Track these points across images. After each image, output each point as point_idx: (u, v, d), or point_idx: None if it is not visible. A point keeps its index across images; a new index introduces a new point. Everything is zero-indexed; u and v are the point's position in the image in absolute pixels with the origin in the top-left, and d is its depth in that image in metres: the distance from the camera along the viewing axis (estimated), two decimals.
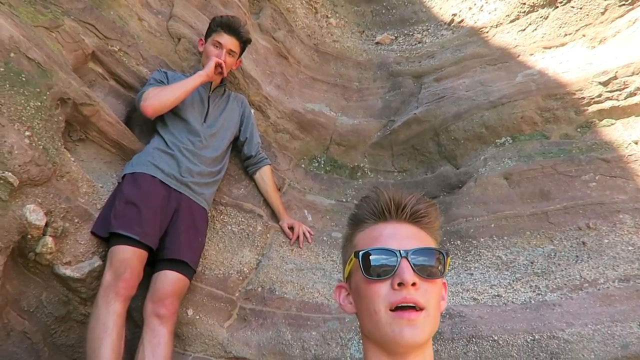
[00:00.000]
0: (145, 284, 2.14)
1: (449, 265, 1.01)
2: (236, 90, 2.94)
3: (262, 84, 3.10)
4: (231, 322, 2.31)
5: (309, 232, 2.68)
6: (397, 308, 0.89)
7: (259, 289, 2.40)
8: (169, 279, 2.14)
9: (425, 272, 0.92)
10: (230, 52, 2.61)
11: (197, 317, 2.27)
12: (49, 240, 2.00)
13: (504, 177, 2.72)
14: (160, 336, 2.02)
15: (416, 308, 0.89)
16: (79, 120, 2.37)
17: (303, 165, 3.15)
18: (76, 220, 2.14)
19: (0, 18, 2.12)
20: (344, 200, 3.03)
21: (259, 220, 2.64)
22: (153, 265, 2.19)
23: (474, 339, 1.99)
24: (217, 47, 2.59)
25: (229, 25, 2.61)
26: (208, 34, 2.67)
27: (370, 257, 0.95)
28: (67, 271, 2.05)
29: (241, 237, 2.56)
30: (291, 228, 2.66)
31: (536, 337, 1.92)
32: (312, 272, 2.51)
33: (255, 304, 2.35)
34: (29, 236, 1.94)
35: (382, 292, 0.92)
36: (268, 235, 2.62)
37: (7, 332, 1.99)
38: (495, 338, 1.95)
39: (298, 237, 2.63)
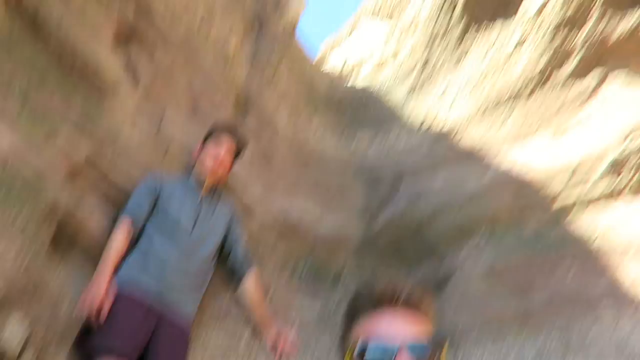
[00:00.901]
0: None
1: (446, 349, 1.02)
2: (224, 193, 3.01)
3: (246, 187, 3.19)
4: None
5: (294, 344, 2.60)
6: None
7: None
8: None
9: None
10: (228, 153, 2.70)
11: None
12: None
13: (486, 271, 2.78)
14: None
15: None
16: (66, 232, 2.37)
17: (288, 270, 3.16)
18: (57, 338, 2.08)
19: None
20: (330, 305, 3.01)
21: (243, 332, 2.60)
22: None
23: None
24: (216, 147, 2.68)
25: (228, 128, 2.76)
26: (207, 137, 2.75)
27: (367, 351, 0.96)
28: None
29: (226, 350, 2.50)
30: (276, 340, 2.55)
31: None
32: None
33: None
34: (6, 356, 1.87)
35: None
36: (253, 347, 2.57)
37: None
38: None
39: (283, 350, 2.54)
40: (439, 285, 2.88)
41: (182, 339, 2.31)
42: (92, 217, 2.44)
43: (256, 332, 2.67)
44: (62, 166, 2.50)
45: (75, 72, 2.68)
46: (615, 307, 2.42)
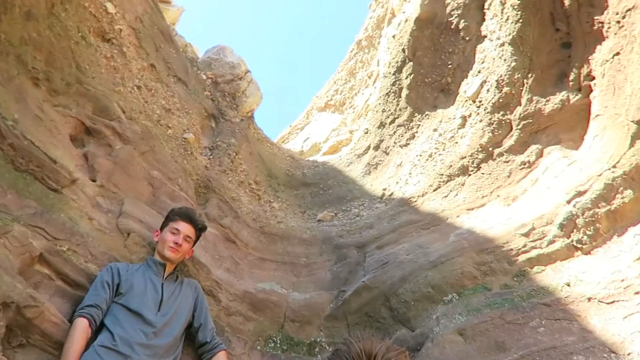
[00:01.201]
0: None
1: None
2: (187, 276, 2.97)
3: (211, 268, 3.16)
4: None
5: None
6: None
7: None
8: None
9: None
10: (186, 238, 2.72)
11: None
12: None
13: (458, 334, 2.77)
14: None
15: None
16: (20, 324, 2.25)
17: (259, 347, 3.05)
18: None
19: None
20: None
21: None
22: None
23: None
24: (174, 233, 2.70)
25: (186, 214, 2.78)
26: (165, 224, 2.79)
27: None
28: None
29: None
30: None
31: None
32: None
33: None
34: None
35: None
36: None
37: None
38: None
39: None
40: (414, 350, 2.83)
41: None
42: (48, 310, 2.34)
43: None
44: (16, 262, 2.44)
45: (30, 171, 2.73)
46: (587, 357, 2.46)
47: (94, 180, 3.15)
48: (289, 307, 3.25)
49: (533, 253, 3.15)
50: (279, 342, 3.14)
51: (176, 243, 2.69)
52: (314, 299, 3.30)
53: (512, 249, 3.20)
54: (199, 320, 2.68)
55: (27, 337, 2.29)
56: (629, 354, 2.40)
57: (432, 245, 3.42)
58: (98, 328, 2.38)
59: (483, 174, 3.87)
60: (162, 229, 2.81)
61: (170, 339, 2.44)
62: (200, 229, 2.86)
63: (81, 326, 2.27)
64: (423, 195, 4.03)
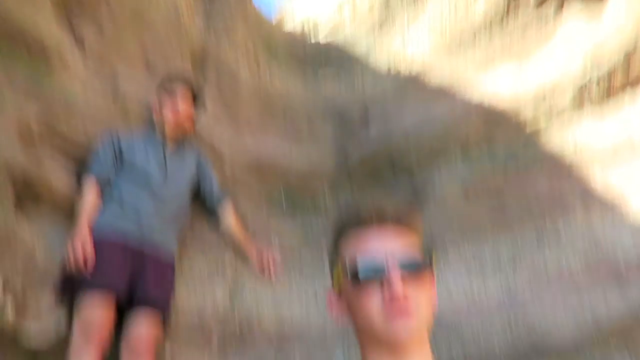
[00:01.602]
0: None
1: (436, 262, 1.03)
2: (189, 141, 2.95)
3: (213, 133, 3.14)
4: (211, 357, 2.23)
5: (277, 266, 2.65)
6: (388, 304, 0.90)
7: (236, 325, 2.34)
8: (142, 329, 2.05)
9: (413, 276, 0.91)
10: (183, 100, 2.64)
11: (177, 351, 2.20)
12: (9, 309, 1.90)
13: (460, 189, 2.83)
14: None
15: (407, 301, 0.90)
16: (30, 190, 2.29)
17: (264, 208, 3.15)
18: (36, 288, 2.05)
19: None
20: (309, 236, 3.03)
21: (226, 257, 2.59)
22: (124, 314, 2.10)
23: (454, 333, 2.00)
24: (170, 96, 2.63)
25: (179, 77, 2.72)
26: (159, 92, 2.70)
27: (356, 268, 0.95)
28: (33, 339, 1.94)
29: (211, 276, 2.50)
30: (260, 262, 2.61)
31: (513, 327, 1.96)
32: (287, 301, 2.49)
33: (233, 341, 2.29)
34: None
35: (373, 302, 0.89)
36: (237, 271, 2.58)
37: None
38: (475, 331, 1.98)
39: (269, 270, 2.60)
40: (416, 204, 2.92)
41: (167, 271, 2.32)
42: (53, 174, 2.38)
43: (240, 257, 2.68)
44: (13, 129, 2.41)
45: (16, 42, 2.55)
46: (587, 209, 2.54)
47: (83, 51, 3.00)
48: (292, 168, 3.29)
49: (544, 116, 3.08)
50: (284, 198, 3.23)
51: (175, 107, 2.61)
52: (317, 161, 3.33)
53: (523, 113, 3.13)
54: (204, 180, 2.72)
55: (39, 200, 2.35)
56: (626, 208, 2.45)
57: (440, 111, 3.34)
58: (105, 194, 2.41)
59: (498, 34, 3.66)
60: (158, 96, 2.71)
61: (177, 203, 2.50)
62: (196, 89, 2.77)
63: (90, 183, 2.32)
64: (432, 60, 3.85)
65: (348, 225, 1.01)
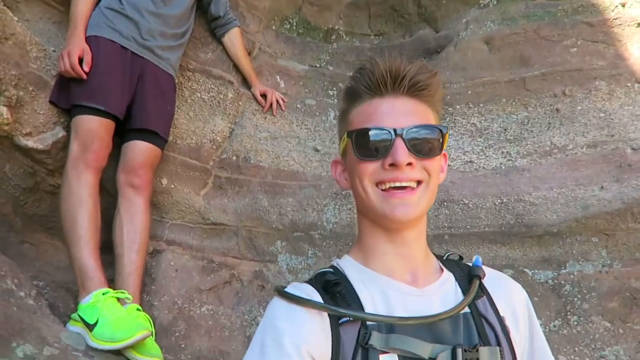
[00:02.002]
0: (116, 154, 2.07)
1: (447, 140, 0.96)
2: None
3: None
4: (207, 190, 2.32)
5: (282, 100, 2.59)
6: (390, 188, 0.87)
7: (234, 158, 2.37)
8: (139, 149, 2.07)
9: (422, 151, 0.88)
10: None
11: (172, 186, 2.26)
12: (3, 110, 1.85)
13: (484, 42, 2.61)
14: (137, 205, 2.02)
15: (412, 186, 0.88)
16: None
17: (274, 27, 2.92)
18: (31, 89, 1.97)
19: None
20: (318, 65, 2.88)
21: (229, 87, 2.49)
22: (121, 135, 2.10)
23: (445, 203, 2.07)
24: None
25: None
26: None
27: (363, 137, 0.90)
28: (29, 142, 1.95)
29: (212, 105, 2.44)
30: (263, 95, 2.55)
31: (504, 200, 2.01)
32: (286, 140, 2.48)
33: (230, 173, 2.35)
34: None
35: (374, 171, 0.89)
36: (240, 102, 2.51)
37: None
38: (466, 202, 2.04)
39: (271, 104, 2.54)
40: (434, 51, 2.74)
41: (168, 80, 2.23)
42: None
43: (245, 82, 2.60)
44: None
45: None
46: (610, 83, 2.38)
47: None
48: None
49: None
50: (295, 24, 2.99)
51: None
52: None
53: None
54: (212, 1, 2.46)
55: None
56: None
57: None
58: None
59: None
60: None
61: (180, 8, 2.27)
62: None
63: None
64: None
65: (360, 92, 0.95)
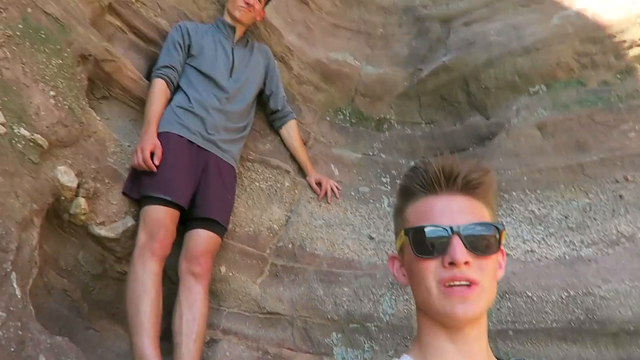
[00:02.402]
0: (178, 242, 2.16)
1: (505, 238, 0.96)
2: (257, 40, 2.83)
3: (283, 33, 2.97)
4: (263, 278, 2.35)
5: (336, 187, 2.66)
6: (449, 285, 0.87)
7: (290, 246, 2.42)
8: (201, 238, 2.16)
9: (479, 249, 0.88)
10: None
11: (230, 274, 2.31)
12: (82, 201, 2.01)
13: (537, 128, 2.62)
14: (196, 293, 2.07)
15: (470, 284, 0.87)
16: (101, 78, 2.32)
17: (328, 118, 3.07)
18: (107, 181, 2.15)
19: None
20: (371, 153, 2.97)
21: (286, 176, 2.61)
22: (184, 223, 2.21)
23: (507, 295, 1.99)
24: None
25: None
26: None
27: (420, 234, 0.91)
28: (102, 231, 2.08)
29: (269, 194, 2.54)
30: (318, 183, 2.63)
31: (571, 293, 1.91)
32: (341, 228, 2.51)
33: (286, 261, 2.38)
34: (62, 198, 1.95)
35: (433, 269, 0.89)
36: (296, 191, 2.61)
37: (48, 290, 2.05)
38: (529, 294, 1.95)
39: (326, 192, 2.61)
40: (485, 138, 2.76)
41: (229, 172, 2.37)
42: (125, 65, 2.36)
43: (301, 171, 2.72)
44: (86, 11, 2.35)
45: None
46: None
47: None
48: (361, 81, 3.13)
49: None
50: (348, 115, 3.13)
51: (247, 3, 2.49)
52: (387, 74, 3.14)
53: (625, 40, 2.72)
54: (270, 88, 2.66)
55: (109, 90, 2.37)
56: None
57: (529, 28, 2.98)
58: (173, 89, 2.42)
59: None
60: None
61: (242, 105, 2.47)
62: None
63: (160, 87, 2.30)
64: None
65: (414, 190, 0.96)
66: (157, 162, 2.10)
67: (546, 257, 2.09)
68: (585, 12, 2.93)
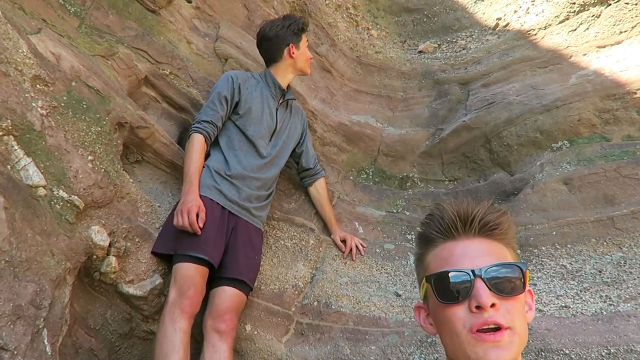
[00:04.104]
0: (203, 300, 2.17)
1: (529, 277, 0.95)
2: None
3: (307, 98, 3.12)
4: (289, 337, 2.31)
5: (361, 245, 2.66)
6: (479, 330, 0.85)
7: (315, 303, 2.39)
8: (227, 295, 2.17)
9: (504, 290, 0.87)
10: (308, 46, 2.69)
11: (255, 332, 2.28)
12: (112, 260, 2.07)
13: (563, 183, 2.60)
14: (221, 352, 2.04)
15: (500, 328, 0.85)
16: (135, 143, 2.46)
17: (351, 178, 3.13)
18: (137, 240, 2.21)
19: (62, 50, 2.24)
20: (395, 211, 2.98)
21: (311, 234, 2.64)
22: (210, 282, 2.23)
23: (542, 353, 1.89)
24: (308, 48, 2.64)
25: (306, 25, 2.65)
26: (298, 36, 2.58)
27: (443, 280, 0.91)
28: (131, 289, 2.12)
29: (294, 252, 2.56)
30: (343, 241, 2.64)
31: (612, 350, 1.80)
32: (366, 285, 2.48)
33: (311, 319, 2.34)
34: (94, 256, 2.01)
35: (460, 315, 0.87)
36: (321, 248, 2.62)
37: (75, 350, 2.06)
38: (567, 352, 1.85)
39: (351, 250, 2.61)
40: (510, 194, 2.75)
41: (257, 233, 2.40)
42: (157, 131, 2.50)
43: (325, 229, 2.73)
44: (124, 84, 2.54)
45: None
46: None
47: (189, 1, 3.07)
48: (383, 141, 3.21)
49: None
50: (371, 174, 3.19)
51: (307, 52, 2.62)
52: (409, 135, 3.21)
53: None
54: (302, 147, 2.72)
55: (142, 155, 2.50)
56: None
57: (548, 87, 3.05)
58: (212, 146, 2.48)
59: (627, 3, 3.19)
60: (294, 42, 2.57)
61: (276, 170, 2.53)
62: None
63: (199, 143, 2.31)
64: (545, 28, 3.48)
65: (432, 237, 0.96)
66: (201, 225, 2.12)
67: (582, 313, 2.00)
68: (603, 70, 2.99)
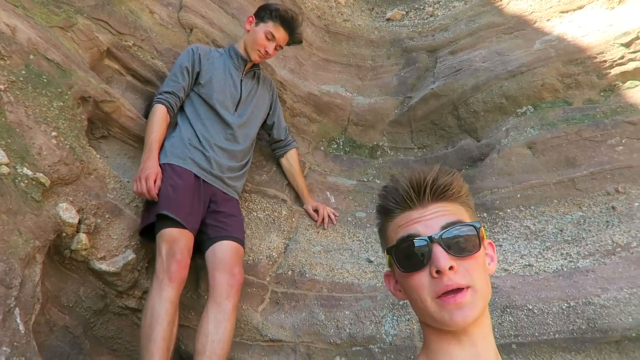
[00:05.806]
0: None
1: (486, 234, 0.98)
2: None
3: (276, 68, 3.08)
4: (264, 306, 2.35)
5: (333, 214, 2.69)
6: (442, 294, 0.88)
7: (289, 273, 2.43)
8: (229, 248, 2.19)
9: (461, 251, 0.89)
10: (277, 47, 2.55)
11: None
12: (83, 237, 2.04)
13: (527, 147, 2.68)
14: (226, 312, 2.04)
15: (462, 288, 0.88)
16: (100, 118, 2.40)
17: (322, 148, 3.14)
18: (107, 216, 2.19)
19: (17, 21, 2.14)
20: (366, 180, 3.02)
21: (283, 205, 2.66)
22: (198, 251, 2.23)
23: (508, 309, 1.99)
24: (269, 39, 2.50)
25: (290, 24, 2.52)
26: (262, 18, 2.52)
27: (402, 251, 0.93)
28: (103, 266, 2.10)
29: (267, 223, 2.58)
30: (316, 210, 2.67)
31: (571, 304, 1.91)
32: (339, 253, 2.53)
33: (286, 288, 2.38)
34: (64, 234, 1.99)
35: (423, 283, 0.89)
36: (293, 219, 2.65)
37: (50, 327, 2.05)
38: (530, 307, 1.95)
39: (323, 219, 2.65)
40: (477, 160, 2.82)
41: (235, 206, 2.42)
42: (123, 105, 2.44)
43: (297, 199, 2.76)
44: (85, 57, 2.46)
45: None
46: None
47: None
48: (352, 111, 3.22)
49: (630, 65, 2.78)
50: (341, 144, 3.21)
51: (267, 51, 2.51)
52: (378, 103, 3.23)
53: (606, 60, 2.83)
54: (273, 119, 2.73)
55: (108, 130, 2.45)
56: None
57: (513, 53, 3.09)
58: (178, 113, 2.48)
59: None
60: (258, 20, 2.53)
61: (246, 143, 2.52)
62: (294, 44, 2.66)
63: (161, 113, 2.33)
64: None
65: (389, 208, 0.98)
66: (156, 191, 2.13)
67: (544, 271, 2.10)
68: (566, 36, 3.05)
